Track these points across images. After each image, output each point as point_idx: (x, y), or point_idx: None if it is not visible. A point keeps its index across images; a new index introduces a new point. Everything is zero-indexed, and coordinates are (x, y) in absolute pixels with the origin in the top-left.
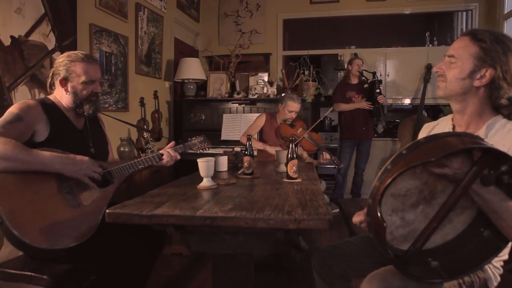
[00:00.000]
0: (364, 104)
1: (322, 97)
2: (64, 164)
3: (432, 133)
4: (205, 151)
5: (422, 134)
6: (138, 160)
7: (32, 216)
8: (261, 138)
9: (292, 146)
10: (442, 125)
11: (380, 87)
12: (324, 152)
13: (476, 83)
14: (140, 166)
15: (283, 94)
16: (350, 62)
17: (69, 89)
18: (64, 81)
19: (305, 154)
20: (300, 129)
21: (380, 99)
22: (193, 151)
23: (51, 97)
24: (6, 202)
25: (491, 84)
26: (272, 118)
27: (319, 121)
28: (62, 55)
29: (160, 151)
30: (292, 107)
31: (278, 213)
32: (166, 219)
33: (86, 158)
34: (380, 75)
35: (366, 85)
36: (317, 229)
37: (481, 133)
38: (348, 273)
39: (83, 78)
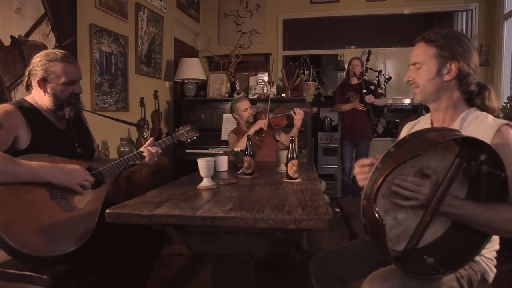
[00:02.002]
0: (357, 105)
1: (322, 97)
2: (54, 174)
3: (413, 130)
4: (200, 147)
5: (403, 133)
6: (122, 159)
7: (27, 225)
8: (252, 150)
9: (292, 146)
10: (422, 123)
11: (371, 87)
12: (294, 108)
13: (446, 77)
14: (126, 165)
15: (231, 103)
16: (349, 63)
17: (48, 90)
18: (42, 82)
19: (283, 137)
20: (263, 116)
21: (367, 99)
22: (190, 150)
23: (28, 98)
24: None
25: (459, 74)
26: (238, 131)
27: (269, 101)
28: (39, 54)
29: (140, 149)
30: (242, 106)
31: (278, 213)
32: (166, 219)
33: (77, 166)
34: (377, 76)
35: (364, 79)
36: (317, 229)
37: (456, 124)
38: (345, 277)
39: (63, 79)
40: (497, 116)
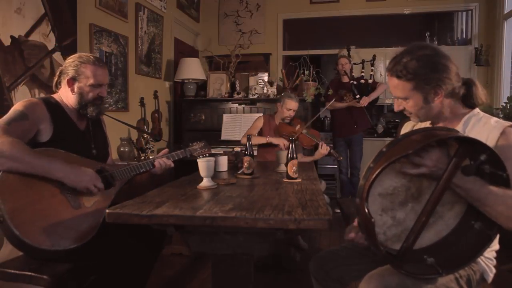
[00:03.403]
0: (354, 103)
1: (322, 97)
2: (67, 174)
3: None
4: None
5: (403, 132)
6: (133, 166)
7: (33, 216)
8: (252, 150)
9: (292, 146)
10: (422, 124)
11: (362, 81)
12: (322, 143)
13: (436, 101)
14: (137, 171)
15: (282, 94)
16: (337, 62)
17: (75, 89)
18: (71, 81)
19: (299, 155)
20: (298, 126)
21: (361, 103)
22: (196, 156)
23: (55, 96)
24: (8, 201)
25: (446, 93)
26: (270, 119)
27: (316, 116)
28: (73, 55)
29: (154, 158)
30: (290, 105)
31: (278, 213)
32: (166, 219)
33: (90, 171)
34: (362, 67)
35: (353, 82)
36: (317, 229)
37: (458, 129)
38: (344, 277)
39: (91, 81)
40: (496, 116)
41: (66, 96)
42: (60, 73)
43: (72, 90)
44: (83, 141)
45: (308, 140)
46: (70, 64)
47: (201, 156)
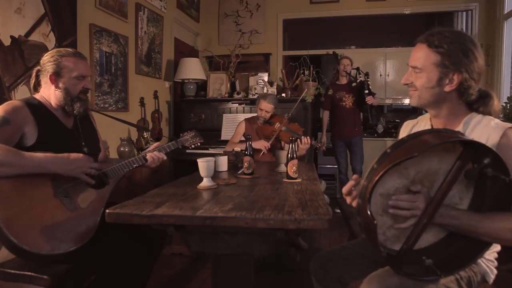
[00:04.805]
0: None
1: (322, 97)
2: (59, 164)
3: (412, 131)
4: (199, 147)
5: (403, 132)
6: (125, 162)
7: (29, 222)
8: (252, 150)
9: (292, 146)
10: (422, 124)
11: (370, 88)
12: (302, 137)
13: (447, 88)
14: (130, 167)
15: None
16: (338, 62)
17: (60, 85)
18: (54, 77)
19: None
20: (277, 124)
21: (368, 100)
22: (191, 150)
23: (37, 96)
24: (2, 209)
25: (460, 86)
26: (251, 122)
27: (291, 112)
28: (49, 52)
29: (146, 151)
30: (261, 105)
31: (278, 213)
32: (166, 219)
33: (80, 155)
34: (356, 73)
35: (354, 84)
36: (317, 229)
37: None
38: (344, 277)
39: (75, 73)
40: (496, 117)
41: (48, 94)
42: (38, 72)
43: (57, 86)
44: (72, 139)
45: (288, 135)
46: (48, 60)
47: (192, 146)
